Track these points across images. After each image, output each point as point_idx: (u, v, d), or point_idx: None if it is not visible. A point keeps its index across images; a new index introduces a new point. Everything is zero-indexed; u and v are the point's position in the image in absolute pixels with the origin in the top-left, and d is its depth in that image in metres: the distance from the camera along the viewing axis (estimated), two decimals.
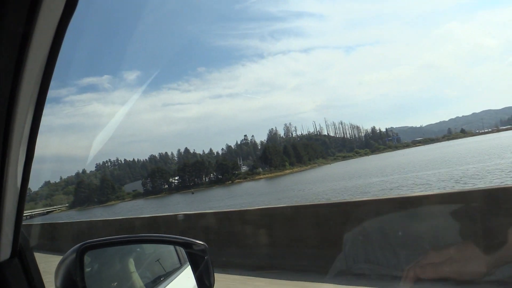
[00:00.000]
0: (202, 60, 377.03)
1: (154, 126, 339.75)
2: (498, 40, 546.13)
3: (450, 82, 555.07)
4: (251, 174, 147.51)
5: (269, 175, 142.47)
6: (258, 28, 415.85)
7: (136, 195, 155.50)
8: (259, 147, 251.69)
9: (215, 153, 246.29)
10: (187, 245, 2.16)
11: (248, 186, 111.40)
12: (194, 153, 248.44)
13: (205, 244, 2.06)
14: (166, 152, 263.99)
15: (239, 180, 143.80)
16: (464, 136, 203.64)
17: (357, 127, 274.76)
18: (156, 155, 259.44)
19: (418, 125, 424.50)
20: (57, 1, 0.68)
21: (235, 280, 7.53)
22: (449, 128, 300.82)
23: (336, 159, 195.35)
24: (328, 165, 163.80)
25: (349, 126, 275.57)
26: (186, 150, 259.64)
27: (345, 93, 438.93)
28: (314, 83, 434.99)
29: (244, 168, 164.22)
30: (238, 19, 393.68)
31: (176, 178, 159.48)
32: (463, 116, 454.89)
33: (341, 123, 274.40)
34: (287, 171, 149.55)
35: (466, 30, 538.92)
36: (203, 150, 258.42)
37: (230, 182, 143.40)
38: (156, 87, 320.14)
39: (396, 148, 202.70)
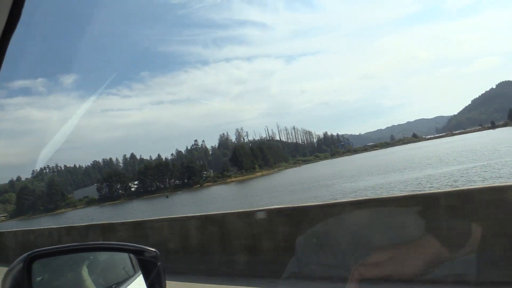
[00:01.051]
0: (144, 66, 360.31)
1: (93, 132, 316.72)
2: (430, 53, 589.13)
3: (387, 92, 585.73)
4: (222, 177, 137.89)
5: (241, 177, 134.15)
6: (202, 35, 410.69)
7: (89, 202, 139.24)
8: (210, 152, 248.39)
9: (164, 158, 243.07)
10: (138, 252, 2.15)
11: (226, 190, 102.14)
12: (141, 159, 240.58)
13: (156, 251, 2.07)
14: (110, 158, 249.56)
15: (208, 184, 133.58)
16: (418, 140, 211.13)
17: (309, 132, 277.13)
18: (100, 161, 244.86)
19: (357, 133, 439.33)
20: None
21: None
22: (392, 135, 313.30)
23: (297, 162, 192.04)
24: (297, 168, 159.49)
25: (301, 132, 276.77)
26: (133, 155, 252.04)
27: (288, 101, 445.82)
28: (256, 91, 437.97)
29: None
30: (181, 25, 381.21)
31: (136, 182, 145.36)
32: (398, 124, 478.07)
33: (294, 128, 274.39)
34: (259, 174, 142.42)
35: (402, 43, 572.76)
36: (150, 156, 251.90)
37: (198, 186, 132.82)
38: (94, 92, 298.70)
39: (355, 152, 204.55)
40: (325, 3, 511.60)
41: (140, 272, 2.27)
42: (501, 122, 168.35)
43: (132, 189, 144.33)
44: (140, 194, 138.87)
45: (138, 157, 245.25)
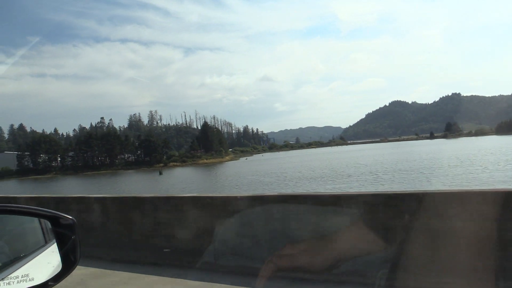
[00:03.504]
0: (28, 32, 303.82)
1: None
2: (326, 66, 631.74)
3: (281, 97, 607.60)
4: (191, 157, 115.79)
5: (213, 160, 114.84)
6: (97, 10, 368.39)
7: (4, 174, 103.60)
8: (118, 133, 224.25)
9: (61, 134, 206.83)
10: (53, 219, 1.91)
11: (213, 174, 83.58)
12: (33, 131, 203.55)
13: (73, 218, 1.86)
14: None
15: (174, 164, 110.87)
16: (346, 144, 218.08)
17: (230, 124, 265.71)
18: None
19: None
20: None
21: None
22: (297, 137, 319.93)
23: (234, 152, 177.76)
24: (260, 156, 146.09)
25: (221, 122, 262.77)
26: (21, 126, 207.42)
27: (183, 93, 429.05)
28: (152, 78, 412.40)
29: None
30: None
31: (71, 154, 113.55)
32: (291, 129, 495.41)
33: (214, 118, 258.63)
34: (228, 158, 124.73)
35: (301, 52, 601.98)
36: (43, 129, 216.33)
37: (162, 165, 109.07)
38: None
39: (292, 148, 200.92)
40: (231, 2, 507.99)
41: (52, 242, 1.97)
42: (440, 134, 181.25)
43: (67, 162, 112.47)
44: (78, 169, 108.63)
45: (29, 129, 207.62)
